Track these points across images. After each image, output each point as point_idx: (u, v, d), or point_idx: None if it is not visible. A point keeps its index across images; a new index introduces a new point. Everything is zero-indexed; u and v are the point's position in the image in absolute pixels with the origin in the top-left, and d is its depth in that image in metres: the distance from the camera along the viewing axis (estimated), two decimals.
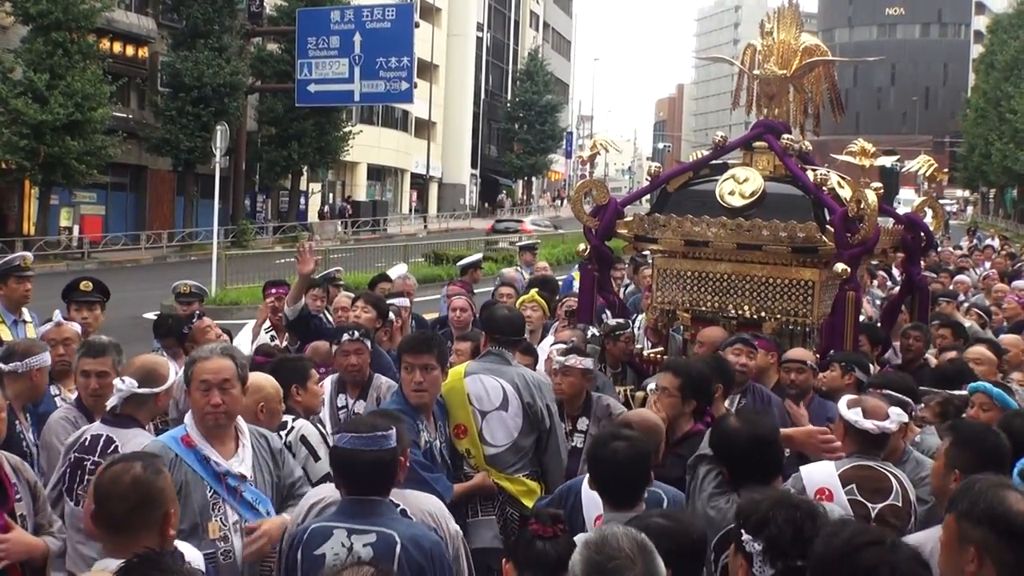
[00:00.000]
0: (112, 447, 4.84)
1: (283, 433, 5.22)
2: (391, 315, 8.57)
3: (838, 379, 6.71)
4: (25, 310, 8.03)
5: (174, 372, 5.26)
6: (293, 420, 5.43)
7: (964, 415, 5.66)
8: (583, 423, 6.31)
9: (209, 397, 4.43)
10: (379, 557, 3.71)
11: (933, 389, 6.37)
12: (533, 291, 10.43)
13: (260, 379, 5.33)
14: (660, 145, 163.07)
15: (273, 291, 9.42)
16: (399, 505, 4.11)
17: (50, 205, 39.18)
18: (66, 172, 35.96)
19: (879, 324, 9.62)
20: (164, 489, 3.41)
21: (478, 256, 14.95)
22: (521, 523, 5.13)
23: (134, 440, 4.88)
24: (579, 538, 3.75)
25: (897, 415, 4.79)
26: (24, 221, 39.07)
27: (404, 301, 9.54)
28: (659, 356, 8.50)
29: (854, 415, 4.65)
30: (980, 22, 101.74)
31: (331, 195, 61.71)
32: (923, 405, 6.03)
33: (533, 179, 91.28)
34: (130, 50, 42.97)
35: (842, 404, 4.85)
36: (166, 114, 42.37)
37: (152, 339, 8.50)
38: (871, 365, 7.41)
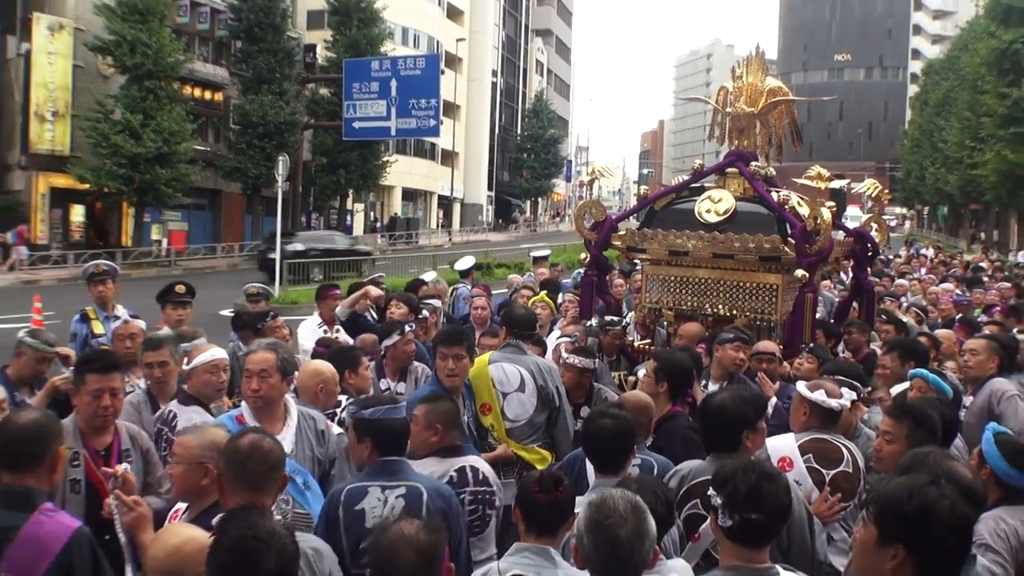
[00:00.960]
0: (174, 420, 4.99)
1: (337, 410, 5.24)
2: (425, 312, 8.59)
3: (813, 370, 6.67)
4: (119, 307, 8.08)
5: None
6: (346, 400, 5.42)
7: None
8: (585, 411, 6.25)
9: (250, 383, 4.55)
10: (410, 505, 3.77)
11: None
12: (543, 292, 10.48)
13: (320, 365, 5.40)
14: (645, 171, 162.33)
15: (330, 292, 9.38)
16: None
17: (143, 222, 39.45)
18: (156, 195, 36.17)
19: (832, 320, 9.63)
20: (283, 457, 3.49)
21: (472, 260, 14.95)
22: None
23: (190, 415, 5.04)
24: (582, 500, 3.79)
25: (848, 395, 4.81)
26: (122, 235, 39.16)
27: (436, 302, 9.54)
28: (647, 347, 8.50)
29: (819, 396, 4.63)
30: (916, 66, 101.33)
31: (371, 213, 61.70)
32: (870, 388, 6.03)
33: (539, 199, 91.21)
34: (207, 94, 43.14)
35: (802, 387, 4.83)
36: (237, 147, 42.48)
37: (229, 332, 8.54)
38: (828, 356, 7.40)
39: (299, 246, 34.71)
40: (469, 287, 12.40)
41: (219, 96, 43.90)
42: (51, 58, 35.35)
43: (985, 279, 17.26)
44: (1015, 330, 9.16)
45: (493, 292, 12.15)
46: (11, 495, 3.32)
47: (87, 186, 35.44)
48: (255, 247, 40.65)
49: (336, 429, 4.97)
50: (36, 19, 35.17)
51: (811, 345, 7.54)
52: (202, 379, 5.31)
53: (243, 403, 4.70)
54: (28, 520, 3.26)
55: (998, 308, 11.48)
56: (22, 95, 35.24)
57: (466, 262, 14.13)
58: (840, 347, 8.76)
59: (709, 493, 3.07)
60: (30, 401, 5.68)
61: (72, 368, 5.47)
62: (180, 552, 2.75)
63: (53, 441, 3.46)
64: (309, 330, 8.55)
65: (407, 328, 7.00)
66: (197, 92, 41.96)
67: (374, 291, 9.15)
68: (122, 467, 4.10)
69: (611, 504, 2.78)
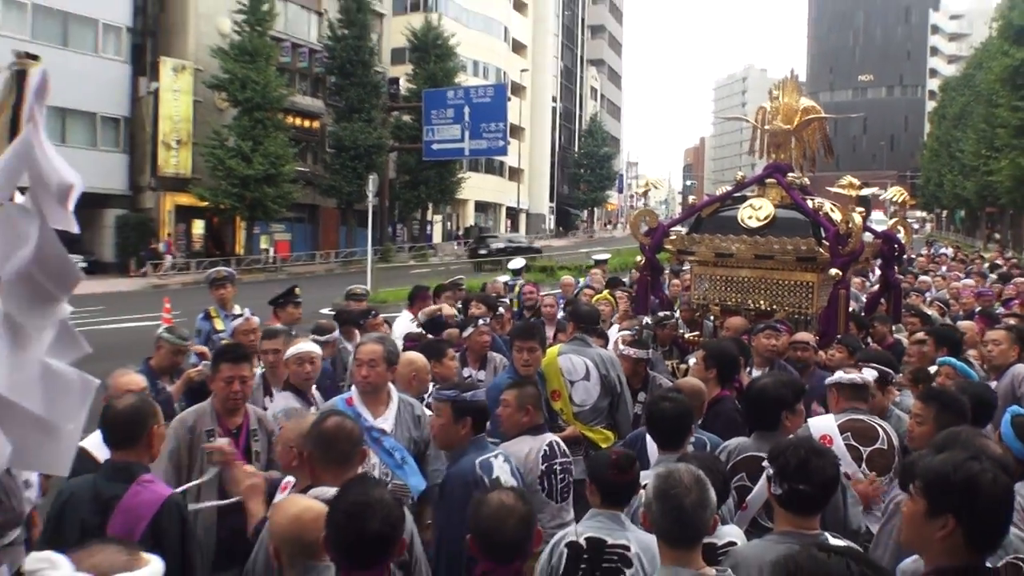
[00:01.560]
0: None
1: (426, 396, 5.26)
2: (501, 309, 8.64)
3: (837, 354, 6.59)
4: (237, 307, 8.20)
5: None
6: (434, 386, 5.45)
7: (933, 383, 5.56)
8: (642, 396, 6.23)
9: (360, 370, 4.60)
10: (512, 469, 3.99)
11: None
12: (606, 291, 10.49)
13: (414, 356, 5.45)
14: (688, 183, 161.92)
15: (421, 292, 9.45)
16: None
17: (253, 233, 40.15)
18: (264, 210, 36.84)
19: (863, 313, 9.47)
20: (362, 434, 3.56)
21: (522, 261, 15.61)
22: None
23: (283, 400, 5.25)
24: (646, 473, 3.79)
25: (870, 372, 4.82)
26: (236, 245, 39.78)
27: (505, 299, 9.63)
28: (696, 338, 8.44)
29: (840, 375, 4.67)
30: (933, 83, 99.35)
31: (448, 224, 62.02)
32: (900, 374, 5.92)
33: (595, 209, 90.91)
34: (306, 123, 43.61)
35: (833, 377, 4.83)
36: (332, 168, 42.92)
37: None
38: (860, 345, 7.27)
39: (500, 244, 42.31)
40: (521, 283, 12.55)
41: (316, 124, 44.37)
42: (175, 95, 36.13)
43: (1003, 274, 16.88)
44: None
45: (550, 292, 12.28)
46: (115, 469, 3.42)
47: (206, 203, 36.29)
48: (348, 254, 41.28)
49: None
50: (163, 62, 36.00)
51: (840, 336, 7.43)
52: (292, 369, 5.41)
53: (352, 387, 4.76)
54: (127, 491, 3.35)
55: (1016, 301, 11.20)
56: (151, 127, 36.03)
57: (517, 263, 14.88)
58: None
59: (763, 464, 3.07)
60: (170, 388, 5.84)
61: (208, 361, 5.60)
62: (300, 519, 2.80)
63: (149, 422, 3.53)
64: (403, 325, 8.64)
65: (480, 322, 7.12)
66: (298, 121, 42.47)
67: (448, 309, 9.17)
68: (224, 440, 4.24)
69: (677, 476, 2.77)
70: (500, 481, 3.77)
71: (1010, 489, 2.47)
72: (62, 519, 3.26)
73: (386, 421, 4.50)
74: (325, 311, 17.35)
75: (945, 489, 2.37)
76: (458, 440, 4.03)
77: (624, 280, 12.90)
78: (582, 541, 3.21)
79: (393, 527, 2.63)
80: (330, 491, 3.10)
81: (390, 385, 4.76)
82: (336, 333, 7.17)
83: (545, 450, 4.31)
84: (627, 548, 3.17)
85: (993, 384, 6.00)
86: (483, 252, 41.81)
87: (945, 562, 2.40)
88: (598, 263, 16.18)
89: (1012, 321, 7.90)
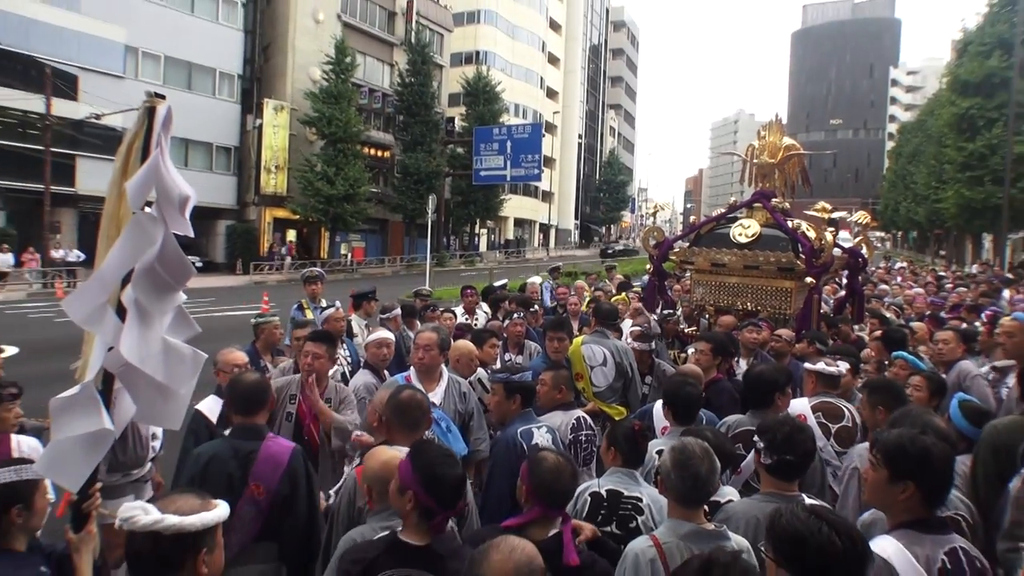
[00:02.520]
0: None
1: (471, 378, 5.25)
2: (535, 306, 8.62)
3: (807, 348, 6.49)
4: (324, 301, 8.26)
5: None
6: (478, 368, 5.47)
7: (885, 373, 5.50)
8: (648, 379, 6.20)
9: (417, 353, 4.63)
10: (553, 438, 3.94)
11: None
12: (622, 294, 10.43)
13: (462, 343, 5.44)
14: (688, 205, 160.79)
15: (468, 291, 9.49)
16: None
17: (335, 241, 40.39)
18: (344, 223, 37.10)
19: (832, 315, 9.33)
20: (429, 405, 3.55)
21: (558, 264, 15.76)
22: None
23: (361, 377, 5.22)
24: (657, 442, 3.73)
25: (844, 365, 4.78)
26: (321, 250, 39.99)
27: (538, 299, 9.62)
28: (694, 332, 8.36)
29: (821, 366, 4.56)
30: (892, 127, 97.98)
31: (492, 236, 62.05)
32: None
33: (612, 226, 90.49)
34: (379, 153, 43.84)
35: (809, 364, 4.73)
36: (399, 189, 43.02)
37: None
38: (828, 341, 7.15)
39: (619, 246, 52.76)
40: (552, 282, 12.74)
41: (387, 154, 44.61)
42: (275, 129, 36.46)
43: (949, 285, 16.52)
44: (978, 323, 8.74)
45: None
46: (246, 430, 3.44)
47: (297, 216, 36.62)
48: (411, 259, 41.49)
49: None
50: (266, 103, 36.39)
51: (805, 332, 7.29)
52: (371, 351, 5.42)
53: (411, 367, 4.76)
54: (262, 445, 3.37)
55: (961, 306, 10.96)
56: (256, 155, 36.39)
57: (552, 266, 15.21)
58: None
59: (754, 439, 3.03)
60: (270, 366, 5.83)
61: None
62: (388, 465, 2.84)
63: (268, 394, 3.60)
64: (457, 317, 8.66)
65: (516, 316, 7.15)
66: (372, 151, 42.65)
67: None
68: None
69: (691, 449, 2.74)
70: (538, 447, 3.72)
71: (953, 457, 2.52)
72: (207, 473, 3.26)
73: (436, 395, 4.50)
74: (384, 316, 17.47)
75: (905, 459, 2.39)
76: (510, 414, 4.03)
77: (635, 283, 12.84)
78: (603, 492, 3.21)
79: (465, 475, 2.70)
80: (403, 449, 3.14)
81: (443, 366, 4.75)
82: (397, 310, 7.29)
83: (573, 423, 4.26)
84: (639, 500, 3.15)
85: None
86: (610, 252, 56.64)
87: (907, 518, 2.43)
88: (610, 269, 16.28)
89: (956, 323, 7.72)
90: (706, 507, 3.15)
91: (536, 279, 12.16)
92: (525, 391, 4.02)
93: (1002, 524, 3.05)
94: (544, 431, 3.91)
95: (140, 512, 1.96)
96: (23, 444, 3.51)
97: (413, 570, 2.46)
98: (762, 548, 2.06)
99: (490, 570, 1.89)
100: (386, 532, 2.63)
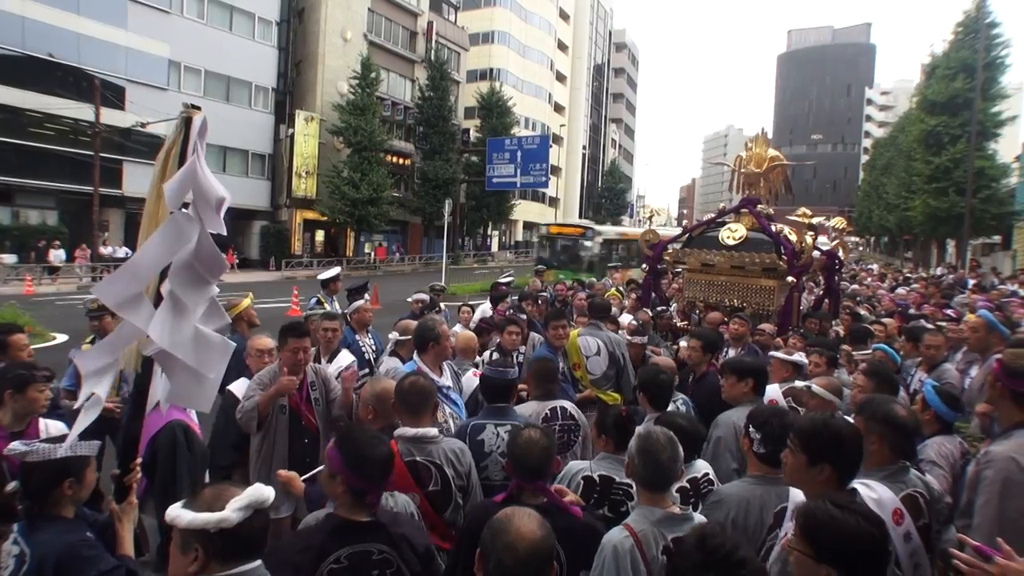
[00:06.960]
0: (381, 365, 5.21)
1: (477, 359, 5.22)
2: (539, 300, 8.58)
3: (799, 343, 6.45)
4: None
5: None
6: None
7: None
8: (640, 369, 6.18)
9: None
10: (499, 436, 3.66)
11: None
12: (612, 289, 10.39)
13: (470, 334, 5.46)
14: (682, 211, 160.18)
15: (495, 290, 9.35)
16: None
17: (360, 241, 40.43)
18: (368, 224, 37.08)
19: (811, 311, 9.29)
20: (434, 390, 3.47)
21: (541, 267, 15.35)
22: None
23: (386, 361, 5.12)
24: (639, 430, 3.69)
25: (801, 356, 4.99)
26: (347, 249, 40.00)
27: (544, 293, 9.54)
28: (686, 326, 8.33)
29: (783, 355, 4.79)
30: (867, 142, 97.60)
31: (503, 238, 61.86)
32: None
33: None
34: (401, 160, 43.80)
35: (776, 353, 4.94)
36: (418, 194, 43.06)
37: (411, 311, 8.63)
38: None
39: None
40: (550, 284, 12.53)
41: (408, 161, 44.60)
42: (305, 138, 36.45)
43: (914, 285, 16.39)
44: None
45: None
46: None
47: (325, 218, 36.71)
48: (428, 258, 41.53)
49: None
50: (297, 114, 36.38)
51: (793, 328, 7.27)
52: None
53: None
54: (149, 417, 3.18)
55: (925, 306, 10.88)
56: (288, 161, 36.40)
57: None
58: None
59: (749, 430, 2.94)
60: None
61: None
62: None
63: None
64: (482, 309, 8.59)
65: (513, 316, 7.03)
66: (394, 159, 42.62)
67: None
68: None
69: (654, 436, 2.65)
70: (482, 443, 3.56)
71: (861, 437, 2.53)
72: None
73: (446, 380, 4.48)
74: (410, 299, 17.37)
75: (822, 443, 2.40)
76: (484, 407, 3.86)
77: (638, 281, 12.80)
78: (596, 476, 3.14)
79: (392, 453, 2.75)
80: (409, 431, 3.18)
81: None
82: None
83: (547, 413, 4.02)
84: (631, 486, 3.06)
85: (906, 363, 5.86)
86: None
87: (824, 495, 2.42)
88: (610, 268, 16.19)
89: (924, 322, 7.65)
90: (687, 484, 3.12)
91: (536, 281, 12.14)
92: (485, 386, 3.84)
93: (958, 503, 3.04)
94: (503, 431, 3.59)
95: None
96: (51, 427, 3.45)
97: (362, 544, 2.38)
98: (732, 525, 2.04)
99: (519, 533, 1.87)
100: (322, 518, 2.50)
